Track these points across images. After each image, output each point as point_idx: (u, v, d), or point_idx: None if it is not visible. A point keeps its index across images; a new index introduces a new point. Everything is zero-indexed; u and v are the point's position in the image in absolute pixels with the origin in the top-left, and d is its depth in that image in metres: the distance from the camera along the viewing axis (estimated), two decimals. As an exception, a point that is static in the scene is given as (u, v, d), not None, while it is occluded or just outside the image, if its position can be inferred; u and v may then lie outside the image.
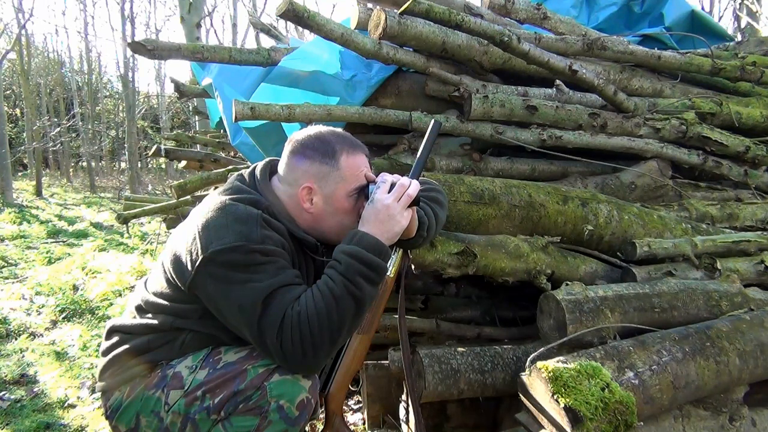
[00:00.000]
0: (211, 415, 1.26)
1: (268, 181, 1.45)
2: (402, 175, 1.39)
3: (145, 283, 1.48)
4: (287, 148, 1.44)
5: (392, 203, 1.31)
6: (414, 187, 1.34)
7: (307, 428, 1.57)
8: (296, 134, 1.44)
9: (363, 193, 1.40)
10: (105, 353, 1.43)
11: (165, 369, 1.34)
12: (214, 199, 1.36)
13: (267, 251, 1.26)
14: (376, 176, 1.40)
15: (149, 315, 1.40)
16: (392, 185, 1.35)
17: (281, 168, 1.45)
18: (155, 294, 1.40)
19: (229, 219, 1.28)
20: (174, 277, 1.33)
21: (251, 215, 1.29)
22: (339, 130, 1.48)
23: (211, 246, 1.24)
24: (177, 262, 1.31)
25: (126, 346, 1.39)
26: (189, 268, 1.27)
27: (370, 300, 1.27)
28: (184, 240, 1.31)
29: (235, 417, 1.25)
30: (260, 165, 1.48)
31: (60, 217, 9.43)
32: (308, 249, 1.43)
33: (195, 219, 1.32)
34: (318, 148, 1.39)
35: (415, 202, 1.36)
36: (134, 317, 1.43)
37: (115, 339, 1.42)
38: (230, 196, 1.35)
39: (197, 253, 1.25)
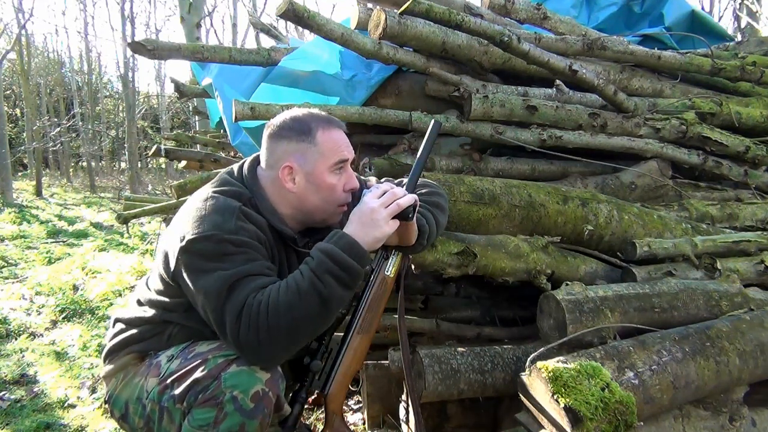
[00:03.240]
0: (176, 404, 1.26)
1: (255, 173, 1.47)
2: (402, 176, 1.40)
3: (147, 278, 1.53)
4: (265, 133, 1.44)
5: (378, 208, 1.29)
6: (407, 199, 1.32)
7: (306, 428, 1.57)
8: (273, 119, 1.46)
9: (356, 193, 1.41)
10: (108, 341, 1.49)
11: (152, 359, 1.38)
12: (200, 191, 1.39)
13: (239, 242, 1.26)
14: (378, 179, 1.41)
15: (144, 307, 1.45)
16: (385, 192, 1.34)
17: (262, 155, 1.46)
18: (150, 288, 1.45)
19: (208, 210, 1.30)
20: (162, 270, 1.36)
21: (229, 207, 1.30)
22: (315, 110, 1.49)
23: (187, 235, 1.26)
24: (164, 255, 1.36)
25: (123, 336, 1.45)
26: (171, 259, 1.30)
27: (338, 301, 1.24)
28: (171, 233, 1.34)
29: (196, 409, 1.24)
30: (250, 158, 1.51)
31: (60, 217, 9.42)
32: (289, 241, 1.43)
33: (181, 211, 1.36)
34: (294, 128, 1.40)
35: (405, 216, 1.33)
36: (133, 309, 1.49)
37: (116, 328, 1.49)
38: (214, 189, 1.37)
39: (176, 243, 1.27)
